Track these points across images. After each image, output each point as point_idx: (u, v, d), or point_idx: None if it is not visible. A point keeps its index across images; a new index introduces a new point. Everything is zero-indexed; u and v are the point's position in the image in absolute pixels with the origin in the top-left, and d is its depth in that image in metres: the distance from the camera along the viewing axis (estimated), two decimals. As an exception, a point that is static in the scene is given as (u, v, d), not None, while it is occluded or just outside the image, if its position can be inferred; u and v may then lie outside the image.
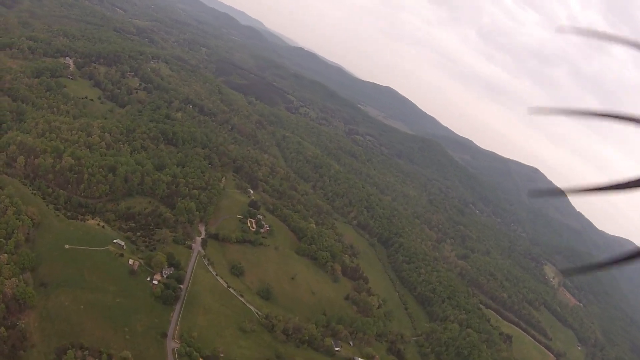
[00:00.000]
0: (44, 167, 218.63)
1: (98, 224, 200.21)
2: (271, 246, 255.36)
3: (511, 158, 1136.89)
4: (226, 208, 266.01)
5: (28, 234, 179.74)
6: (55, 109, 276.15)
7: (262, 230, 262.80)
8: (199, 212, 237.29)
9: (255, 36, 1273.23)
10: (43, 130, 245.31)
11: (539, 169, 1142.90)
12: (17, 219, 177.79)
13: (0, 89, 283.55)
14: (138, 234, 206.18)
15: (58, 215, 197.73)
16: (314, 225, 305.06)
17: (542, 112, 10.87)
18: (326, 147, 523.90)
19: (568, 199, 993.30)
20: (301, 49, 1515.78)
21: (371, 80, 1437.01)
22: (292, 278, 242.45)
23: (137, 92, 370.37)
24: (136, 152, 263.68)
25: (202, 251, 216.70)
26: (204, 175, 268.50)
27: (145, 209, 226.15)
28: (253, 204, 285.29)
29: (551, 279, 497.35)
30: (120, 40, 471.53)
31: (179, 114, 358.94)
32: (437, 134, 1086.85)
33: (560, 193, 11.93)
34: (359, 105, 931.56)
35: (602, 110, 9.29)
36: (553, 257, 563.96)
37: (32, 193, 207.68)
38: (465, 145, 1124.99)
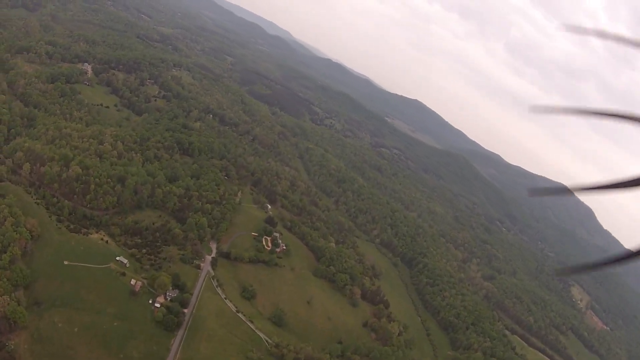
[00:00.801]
0: (49, 176, 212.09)
1: (102, 239, 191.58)
2: (287, 267, 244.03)
3: (538, 174, 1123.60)
4: (241, 224, 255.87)
5: (25, 247, 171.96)
6: (67, 116, 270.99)
7: (277, 250, 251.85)
8: (211, 229, 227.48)
9: (283, 46, 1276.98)
10: (53, 137, 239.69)
11: (567, 184, 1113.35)
12: (14, 231, 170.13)
13: (14, 94, 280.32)
14: (144, 250, 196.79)
15: (60, 228, 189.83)
16: (334, 244, 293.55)
17: (544, 111, 11.24)
18: (351, 160, 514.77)
19: (596, 218, 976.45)
20: (329, 60, 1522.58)
21: (399, 93, 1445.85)
22: (308, 302, 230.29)
23: (155, 100, 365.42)
24: (149, 162, 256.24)
25: (212, 271, 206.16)
26: (218, 189, 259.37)
27: (154, 224, 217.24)
28: (270, 221, 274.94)
29: (578, 302, 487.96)
30: (142, 47, 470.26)
31: (198, 124, 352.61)
32: (464, 148, 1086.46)
33: (561, 192, 11.76)
34: (386, 118, 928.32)
35: (603, 109, 9.47)
36: (581, 277, 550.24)
37: (35, 202, 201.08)
38: (492, 159, 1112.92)
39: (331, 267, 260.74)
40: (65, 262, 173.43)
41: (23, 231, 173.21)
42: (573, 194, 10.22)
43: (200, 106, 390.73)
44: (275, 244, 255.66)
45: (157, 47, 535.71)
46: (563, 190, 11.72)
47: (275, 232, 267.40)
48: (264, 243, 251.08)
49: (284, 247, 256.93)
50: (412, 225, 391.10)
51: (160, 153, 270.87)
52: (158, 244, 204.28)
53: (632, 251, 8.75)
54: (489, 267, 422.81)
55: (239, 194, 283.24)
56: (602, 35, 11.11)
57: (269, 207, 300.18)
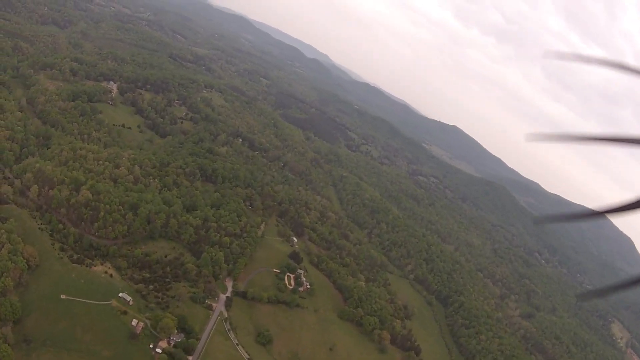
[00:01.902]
0: (57, 200, 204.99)
1: (106, 272, 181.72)
2: (309, 308, 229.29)
3: (577, 202, 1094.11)
4: (262, 259, 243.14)
5: (20, 278, 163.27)
6: (85, 136, 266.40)
7: (300, 289, 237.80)
8: (228, 265, 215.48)
9: (320, 69, 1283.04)
10: (66, 159, 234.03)
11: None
12: (10, 259, 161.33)
13: (33, 111, 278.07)
14: (151, 286, 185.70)
15: (61, 258, 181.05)
16: (364, 283, 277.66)
17: (541, 139, 11.29)
18: (386, 189, 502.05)
19: (636, 249, 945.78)
20: (366, 84, 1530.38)
21: (437, 119, 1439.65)
22: (330, 349, 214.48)
23: (181, 122, 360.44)
24: (166, 188, 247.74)
25: (225, 313, 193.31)
26: (240, 220, 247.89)
27: (166, 256, 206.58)
28: (294, 256, 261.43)
29: (619, 340, 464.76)
30: (172, 67, 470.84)
31: (224, 148, 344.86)
32: (502, 175, 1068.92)
33: (568, 219, 11.63)
34: (423, 144, 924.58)
35: (602, 134, 9.54)
36: (620, 312, 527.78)
37: (39, 228, 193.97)
38: (531, 188, 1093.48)
39: (359, 308, 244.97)
40: (63, 297, 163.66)
41: (19, 260, 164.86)
42: (576, 220, 10.38)
43: (229, 129, 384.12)
44: (298, 282, 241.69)
45: (190, 68, 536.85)
46: (569, 218, 11.07)
47: (300, 269, 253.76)
48: (286, 281, 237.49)
49: (308, 286, 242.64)
50: (448, 260, 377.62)
51: (180, 179, 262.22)
52: (168, 279, 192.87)
53: None
54: (527, 304, 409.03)
55: (262, 226, 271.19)
56: (582, 59, 11.41)
57: (295, 240, 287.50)
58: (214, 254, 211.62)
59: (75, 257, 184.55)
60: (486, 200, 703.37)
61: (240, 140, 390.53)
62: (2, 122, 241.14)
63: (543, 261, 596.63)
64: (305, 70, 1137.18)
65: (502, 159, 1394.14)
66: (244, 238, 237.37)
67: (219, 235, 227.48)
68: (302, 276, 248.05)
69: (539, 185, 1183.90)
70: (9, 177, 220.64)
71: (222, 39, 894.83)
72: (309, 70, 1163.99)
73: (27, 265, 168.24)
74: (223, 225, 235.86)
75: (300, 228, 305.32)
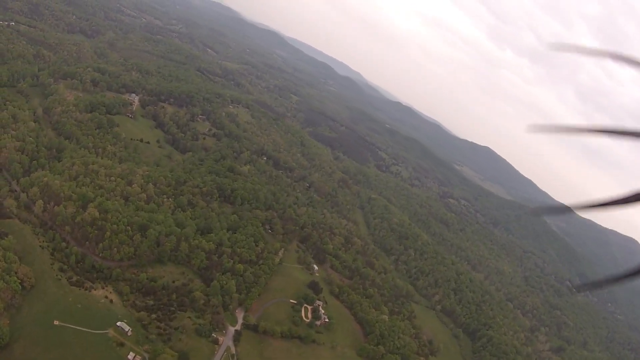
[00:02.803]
0: (62, 217, 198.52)
1: (106, 297, 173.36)
2: (326, 345, 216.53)
3: (609, 227, 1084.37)
4: (278, 289, 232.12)
5: (12, 299, 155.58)
6: (100, 150, 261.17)
7: (317, 322, 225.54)
8: (240, 294, 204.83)
9: (353, 87, 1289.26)
10: (77, 173, 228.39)
11: (637, 239, 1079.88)
12: (2, 279, 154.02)
13: (49, 121, 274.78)
14: (153, 315, 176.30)
15: (59, 279, 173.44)
16: (387, 316, 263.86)
17: (542, 130, 11.70)
18: (416, 212, 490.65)
19: None
20: (399, 103, 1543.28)
21: (469, 139, 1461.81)
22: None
23: (204, 138, 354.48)
24: (180, 209, 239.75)
25: (232, 348, 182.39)
26: (257, 246, 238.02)
27: (173, 282, 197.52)
28: (314, 286, 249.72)
29: None
30: (199, 80, 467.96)
31: (247, 167, 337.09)
32: (534, 198, 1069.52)
33: (565, 210, 12.35)
34: (455, 165, 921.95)
35: (603, 126, 9.82)
36: None
37: (40, 246, 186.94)
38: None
39: (380, 346, 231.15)
40: (56, 322, 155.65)
41: (13, 280, 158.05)
42: (574, 212, 10.91)
43: (254, 147, 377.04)
44: (316, 315, 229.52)
45: (217, 82, 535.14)
46: (566, 210, 11.92)
47: (319, 300, 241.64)
48: (302, 314, 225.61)
49: (326, 320, 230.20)
50: (478, 290, 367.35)
51: (196, 199, 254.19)
52: (173, 308, 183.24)
53: None
54: (558, 337, 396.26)
55: (281, 252, 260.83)
56: (587, 51, 11.51)
57: (316, 268, 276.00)
58: (225, 282, 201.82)
59: (74, 279, 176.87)
60: (518, 225, 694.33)
61: (265, 158, 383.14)
62: (14, 132, 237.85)
63: (574, 289, 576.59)
64: (337, 87, 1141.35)
65: (533, 180, 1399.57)
66: (259, 265, 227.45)
67: (232, 261, 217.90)
68: (320, 308, 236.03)
69: (570, 209, 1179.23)
70: (15, 190, 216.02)
71: (253, 54, 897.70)
72: (341, 88, 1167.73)
73: (21, 285, 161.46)
74: (238, 250, 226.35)
75: (323, 255, 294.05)
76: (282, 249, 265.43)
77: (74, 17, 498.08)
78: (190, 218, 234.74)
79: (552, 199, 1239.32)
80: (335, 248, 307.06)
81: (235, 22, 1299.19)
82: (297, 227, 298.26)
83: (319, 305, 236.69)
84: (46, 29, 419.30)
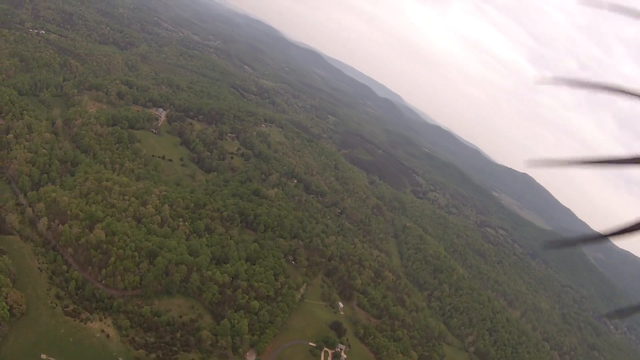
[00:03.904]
0: (66, 237, 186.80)
1: (103, 330, 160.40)
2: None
3: None
4: (296, 329, 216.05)
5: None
6: (117, 166, 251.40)
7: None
8: (252, 335, 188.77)
9: (391, 109, 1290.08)
10: (89, 190, 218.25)
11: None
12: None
13: (68, 133, 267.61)
14: (153, 355, 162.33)
15: (54, 307, 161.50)
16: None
17: (539, 165, 11.80)
18: (452, 243, 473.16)
19: None
20: (438, 127, 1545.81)
21: (507, 165, 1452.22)
22: None
23: (231, 158, 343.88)
24: (196, 234, 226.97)
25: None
26: (276, 280, 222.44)
27: (180, 317, 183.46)
28: (337, 326, 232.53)
29: None
30: (232, 97, 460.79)
31: (274, 190, 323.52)
32: (572, 228, 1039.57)
33: (581, 242, 11.86)
34: (493, 192, 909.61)
35: (597, 157, 10.04)
36: None
37: (38, 267, 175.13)
38: (603, 243, 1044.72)
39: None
40: (43, 357, 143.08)
41: (1, 306, 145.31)
42: (590, 243, 10.95)
43: (284, 169, 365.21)
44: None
45: (252, 100, 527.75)
46: (584, 241, 11.35)
47: (341, 343, 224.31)
48: (322, 359, 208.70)
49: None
50: (514, 331, 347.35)
51: (215, 225, 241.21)
52: (175, 348, 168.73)
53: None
54: None
55: (303, 287, 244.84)
56: (581, 84, 11.72)
57: (341, 305, 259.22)
58: (236, 320, 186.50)
59: (70, 307, 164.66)
60: (556, 257, 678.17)
61: (295, 181, 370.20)
62: (26, 143, 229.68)
63: (612, 327, 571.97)
64: (375, 109, 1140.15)
65: (572, 210, 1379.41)
66: (277, 302, 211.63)
67: (247, 297, 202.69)
68: (342, 353, 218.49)
69: (609, 241, 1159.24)
70: (22, 204, 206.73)
71: (292, 73, 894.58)
72: (380, 110, 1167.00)
73: (10, 312, 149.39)
74: (255, 285, 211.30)
75: (349, 291, 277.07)
76: (305, 284, 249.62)
77: (108, 28, 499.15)
78: (206, 245, 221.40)
79: (590, 229, 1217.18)
80: (364, 283, 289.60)
81: (275, 41, 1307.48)
82: (323, 259, 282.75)
83: (341, 350, 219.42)
84: (77, 38, 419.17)
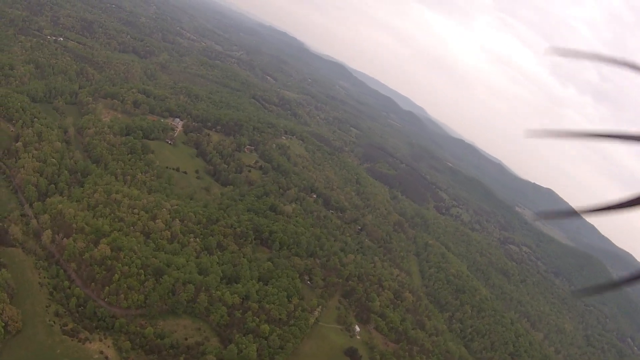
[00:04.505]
0: (69, 251, 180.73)
1: (101, 352, 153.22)
2: None
3: None
4: (308, 355, 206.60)
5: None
6: (128, 177, 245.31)
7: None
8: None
9: (415, 122, 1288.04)
10: (97, 202, 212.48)
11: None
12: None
13: (80, 142, 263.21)
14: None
15: (52, 325, 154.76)
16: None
17: (539, 135, 11.96)
18: (475, 261, 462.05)
19: None
20: (461, 141, 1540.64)
21: (531, 179, 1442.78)
22: None
23: (249, 171, 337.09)
24: (206, 251, 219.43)
25: None
26: (289, 302, 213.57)
27: (185, 339, 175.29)
28: (352, 352, 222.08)
29: None
30: (252, 108, 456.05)
31: (291, 206, 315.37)
32: (594, 245, 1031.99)
33: (572, 214, 12.35)
34: (516, 208, 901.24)
35: (602, 130, 9.95)
36: None
37: (39, 282, 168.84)
38: (624, 259, 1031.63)
39: None
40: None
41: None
42: (580, 215, 11.13)
43: (303, 183, 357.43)
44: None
45: (273, 111, 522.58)
46: (570, 213, 11.88)
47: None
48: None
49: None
50: (537, 355, 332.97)
51: (227, 241, 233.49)
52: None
53: None
54: None
55: (318, 310, 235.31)
56: (588, 56, 11.79)
57: (358, 329, 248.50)
58: (244, 345, 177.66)
59: (69, 326, 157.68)
60: (580, 275, 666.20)
61: (314, 196, 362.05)
62: (35, 151, 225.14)
63: (635, 348, 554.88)
64: (399, 122, 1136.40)
65: (596, 226, 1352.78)
66: (289, 326, 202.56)
67: (257, 320, 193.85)
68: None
69: (632, 256, 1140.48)
70: (27, 215, 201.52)
71: (315, 84, 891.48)
72: (404, 123, 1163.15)
73: (4, 329, 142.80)
74: (267, 307, 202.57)
75: (367, 313, 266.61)
76: (320, 306, 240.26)
77: (128, 36, 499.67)
78: (217, 263, 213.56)
79: (613, 245, 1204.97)
80: (383, 305, 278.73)
81: (299, 52, 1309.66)
82: (340, 279, 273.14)
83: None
84: (96, 46, 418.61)
